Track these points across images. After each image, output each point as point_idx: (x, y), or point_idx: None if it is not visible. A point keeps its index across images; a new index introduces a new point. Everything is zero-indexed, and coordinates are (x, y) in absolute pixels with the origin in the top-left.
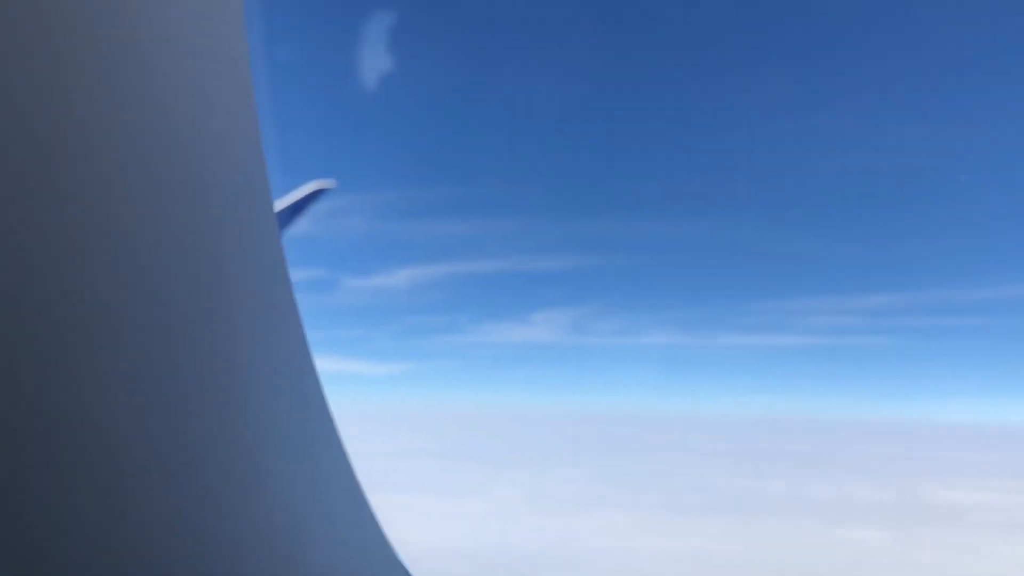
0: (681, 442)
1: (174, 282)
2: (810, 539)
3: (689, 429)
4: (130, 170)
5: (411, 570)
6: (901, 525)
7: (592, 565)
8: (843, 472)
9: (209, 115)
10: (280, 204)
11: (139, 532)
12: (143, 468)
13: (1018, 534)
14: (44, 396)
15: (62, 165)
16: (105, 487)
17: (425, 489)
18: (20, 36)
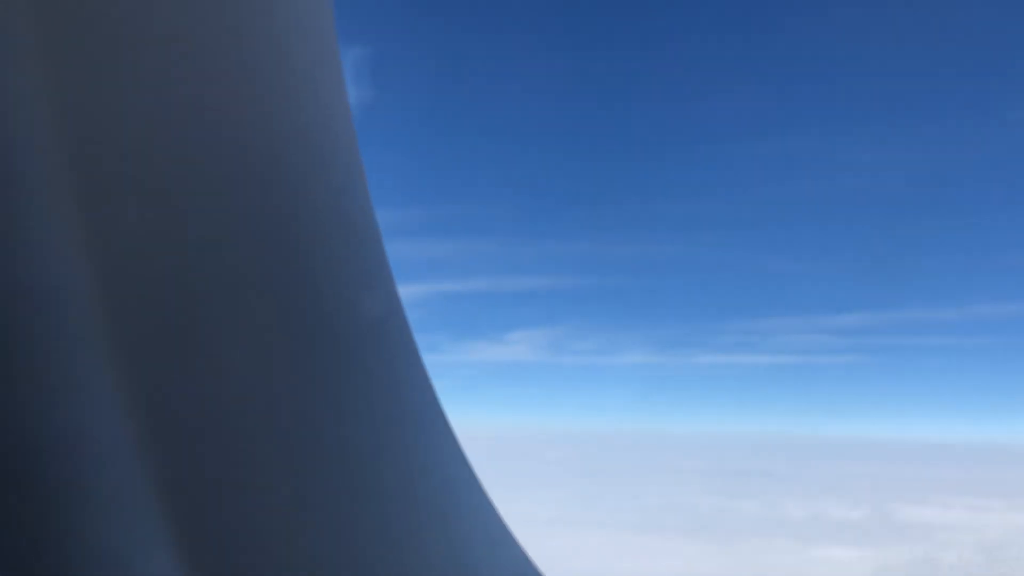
0: (657, 461)
1: (288, 289)
2: (784, 558)
3: (664, 448)
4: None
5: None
6: (874, 543)
7: None
8: (816, 490)
9: (310, 133)
10: None
11: (262, 530)
12: (264, 465)
13: (987, 552)
14: (159, 396)
15: (191, 179)
16: (210, 487)
17: None
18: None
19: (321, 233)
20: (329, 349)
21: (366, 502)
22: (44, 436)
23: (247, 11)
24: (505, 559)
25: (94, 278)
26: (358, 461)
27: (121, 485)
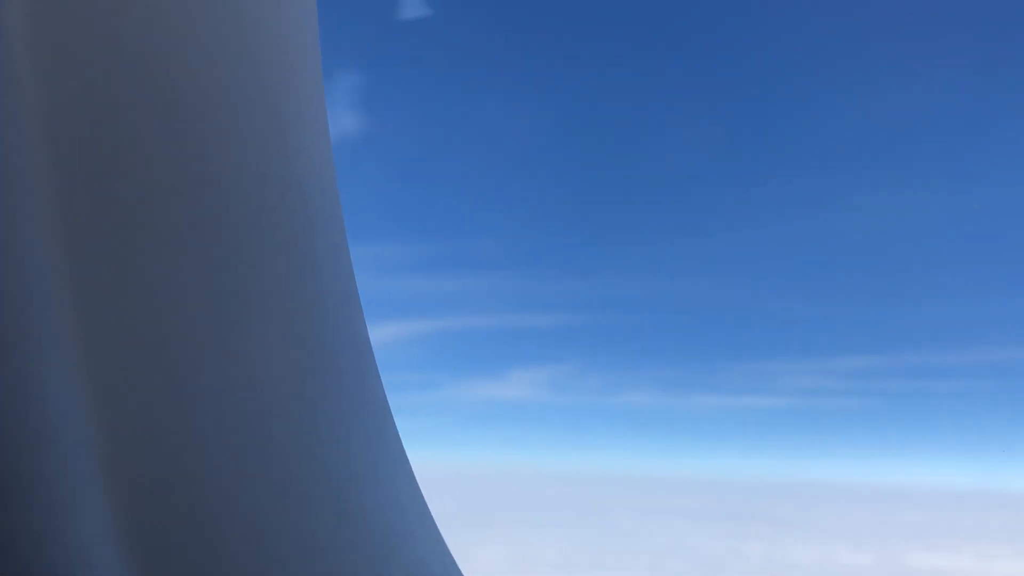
0: (661, 502)
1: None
2: None
3: (669, 489)
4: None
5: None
6: None
7: None
8: (824, 535)
9: (288, 165)
10: None
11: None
12: (230, 475)
13: None
14: (111, 404)
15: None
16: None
17: None
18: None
19: (291, 265)
20: (290, 373)
21: (312, 530)
22: (10, 436)
23: (227, 31)
24: None
25: (68, 281)
26: (316, 482)
27: (85, 487)
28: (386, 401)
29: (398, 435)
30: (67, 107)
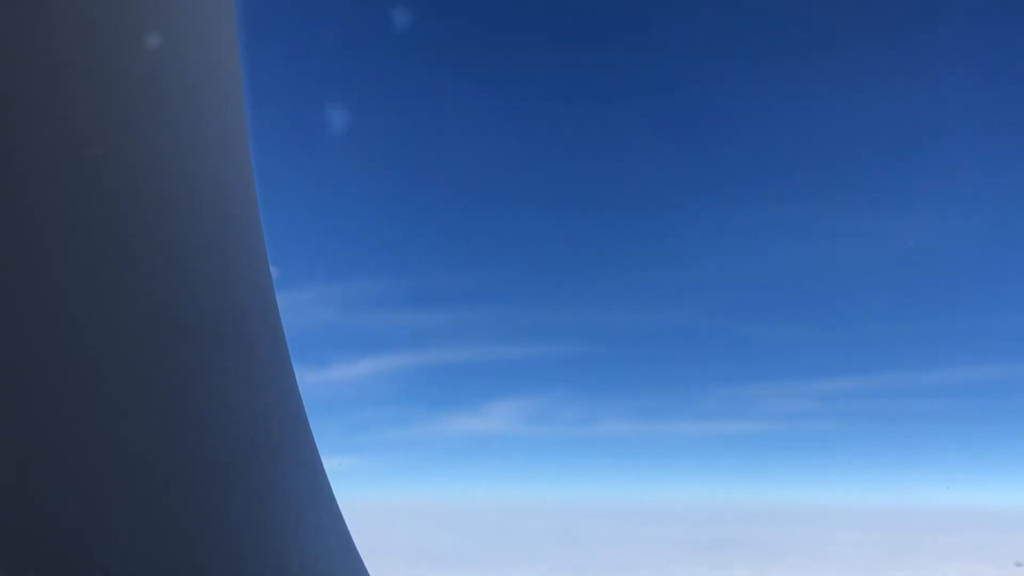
0: (641, 531)
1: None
2: None
3: (649, 518)
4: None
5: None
6: None
7: None
8: (806, 558)
9: (213, 190)
10: None
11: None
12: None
13: None
14: (59, 419)
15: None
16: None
17: None
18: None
19: (212, 308)
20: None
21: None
22: None
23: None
24: None
25: None
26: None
27: None
28: (315, 446)
29: (318, 455)
30: None
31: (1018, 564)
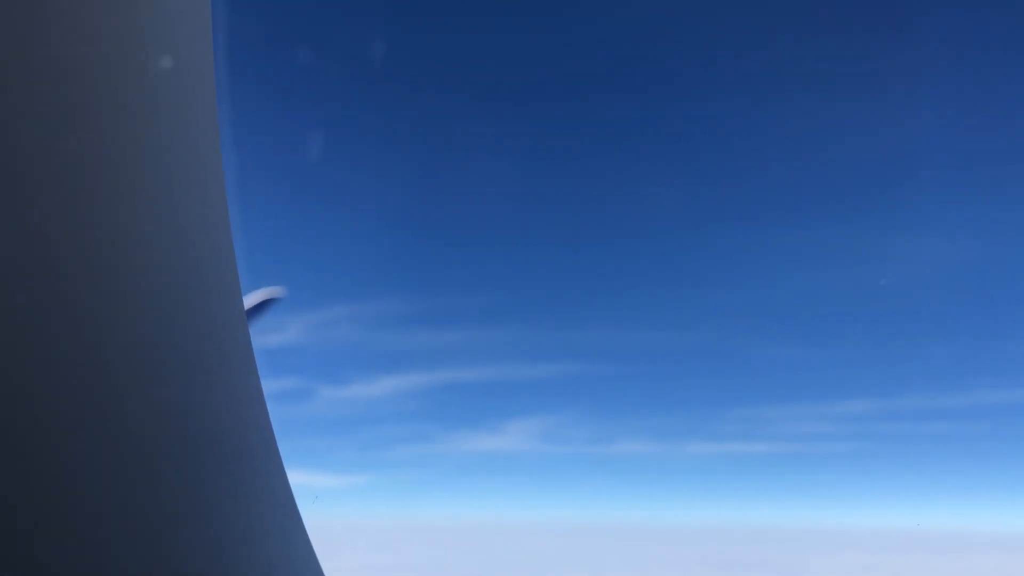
0: (654, 552)
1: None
2: None
3: (662, 539)
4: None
5: None
6: None
7: None
8: None
9: (185, 224)
10: None
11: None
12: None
13: None
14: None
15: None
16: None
17: None
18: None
19: (193, 352)
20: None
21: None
22: None
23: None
24: None
25: None
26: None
27: None
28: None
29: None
30: None
31: None
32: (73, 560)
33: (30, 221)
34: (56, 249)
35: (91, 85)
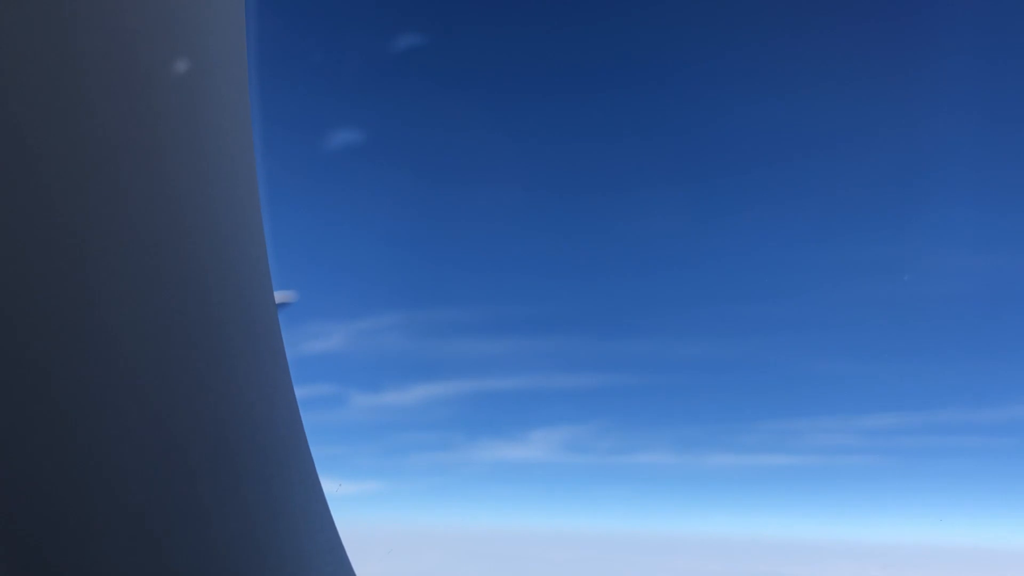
0: (677, 564)
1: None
2: None
3: (685, 550)
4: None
5: None
6: None
7: None
8: None
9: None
10: None
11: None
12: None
13: None
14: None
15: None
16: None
17: None
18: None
19: (225, 342)
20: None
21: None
22: None
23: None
24: None
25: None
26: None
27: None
28: (315, 473)
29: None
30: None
31: None
32: (110, 559)
33: (65, 221)
34: (91, 251)
35: (131, 86)
